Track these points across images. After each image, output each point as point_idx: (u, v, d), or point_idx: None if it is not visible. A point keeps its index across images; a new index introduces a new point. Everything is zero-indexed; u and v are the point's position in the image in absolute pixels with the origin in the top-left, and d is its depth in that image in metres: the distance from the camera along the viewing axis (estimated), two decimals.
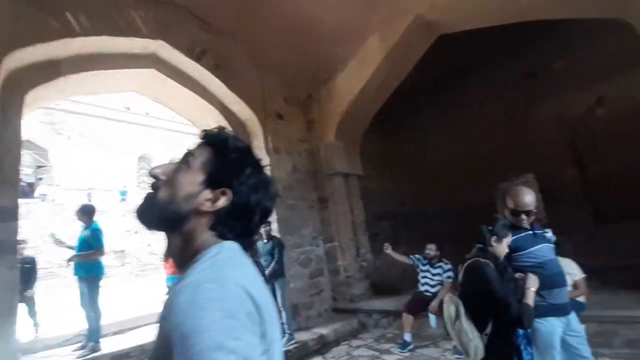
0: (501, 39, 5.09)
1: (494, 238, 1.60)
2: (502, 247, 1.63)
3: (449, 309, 1.56)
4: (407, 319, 3.66)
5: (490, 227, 1.62)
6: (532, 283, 1.52)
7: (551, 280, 1.75)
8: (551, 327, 1.65)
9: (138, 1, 3.84)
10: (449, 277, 3.71)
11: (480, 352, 1.43)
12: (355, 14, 4.74)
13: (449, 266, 3.78)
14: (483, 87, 6.46)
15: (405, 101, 5.96)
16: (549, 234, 2.00)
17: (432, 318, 3.68)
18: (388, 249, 3.93)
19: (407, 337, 3.61)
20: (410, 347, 3.57)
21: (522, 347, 1.42)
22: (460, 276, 1.66)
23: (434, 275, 3.78)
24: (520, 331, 1.42)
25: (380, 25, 4.56)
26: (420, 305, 3.72)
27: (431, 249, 3.79)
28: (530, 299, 1.47)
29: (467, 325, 1.48)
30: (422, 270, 3.86)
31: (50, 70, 3.52)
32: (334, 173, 5.37)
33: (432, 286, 3.76)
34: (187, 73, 4.37)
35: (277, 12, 4.45)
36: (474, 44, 5.24)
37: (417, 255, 3.94)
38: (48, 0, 3.26)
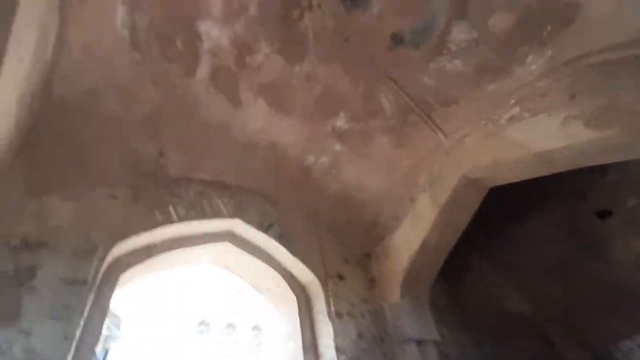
0: (562, 179, 4.85)
1: None
2: None
3: None
4: None
5: None
6: None
7: None
8: None
9: (223, 190, 4.55)
10: None
11: None
12: (399, 179, 5.06)
13: None
14: (544, 231, 5.82)
15: (466, 249, 5.46)
16: None
17: None
18: None
19: None
20: None
21: None
22: None
23: None
24: None
25: (428, 186, 4.73)
26: None
27: None
28: None
29: None
30: None
31: (145, 253, 3.95)
32: (405, 340, 4.48)
33: None
34: (255, 244, 4.60)
35: (327, 183, 4.89)
36: (530, 187, 5.03)
37: None
38: (157, 198, 4.03)
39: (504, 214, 5.63)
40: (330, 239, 5.15)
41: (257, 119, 4.25)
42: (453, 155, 4.29)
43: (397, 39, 3.46)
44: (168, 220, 3.75)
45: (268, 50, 3.68)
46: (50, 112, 3.29)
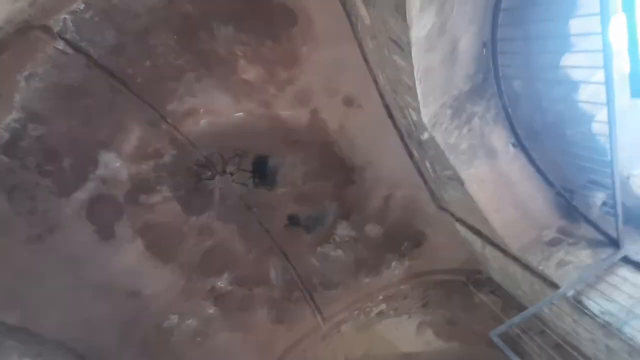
0: None
1: None
2: None
3: None
4: None
5: None
6: None
7: None
8: None
9: (27, 342, 3.18)
10: None
11: None
12: None
13: None
14: None
15: None
16: None
17: None
18: None
19: None
20: None
21: None
22: None
23: None
24: None
25: None
26: None
27: None
28: None
29: None
30: None
31: None
32: None
33: None
34: None
35: (187, 354, 3.93)
36: None
37: None
38: None
39: None
40: None
41: (126, 258, 3.60)
42: (328, 342, 4.09)
43: (293, 220, 3.82)
44: None
45: (168, 195, 3.58)
46: None
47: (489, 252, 3.06)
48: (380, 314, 3.91)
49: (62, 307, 3.41)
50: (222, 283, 4.02)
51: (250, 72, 3.07)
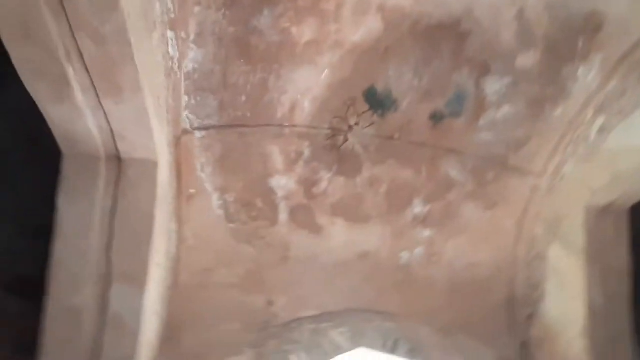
0: None
1: None
2: None
3: None
4: None
5: None
6: None
7: None
8: None
9: (333, 320, 4.31)
10: None
11: None
12: (512, 241, 4.34)
13: None
14: None
15: None
16: None
17: None
18: None
19: None
20: None
21: None
22: None
23: None
24: None
25: (551, 234, 3.95)
26: None
27: None
28: None
29: None
30: None
31: None
32: None
33: None
34: None
35: (433, 275, 4.39)
36: None
37: None
38: (278, 351, 3.94)
39: None
40: (469, 339, 4.24)
41: (339, 237, 4.31)
42: (561, 191, 3.69)
43: (436, 117, 3.60)
44: None
45: (329, 176, 4.03)
46: (177, 300, 3.73)
47: None
48: (602, 130, 3.22)
49: (331, 290, 4.41)
50: (417, 209, 4.24)
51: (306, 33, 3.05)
